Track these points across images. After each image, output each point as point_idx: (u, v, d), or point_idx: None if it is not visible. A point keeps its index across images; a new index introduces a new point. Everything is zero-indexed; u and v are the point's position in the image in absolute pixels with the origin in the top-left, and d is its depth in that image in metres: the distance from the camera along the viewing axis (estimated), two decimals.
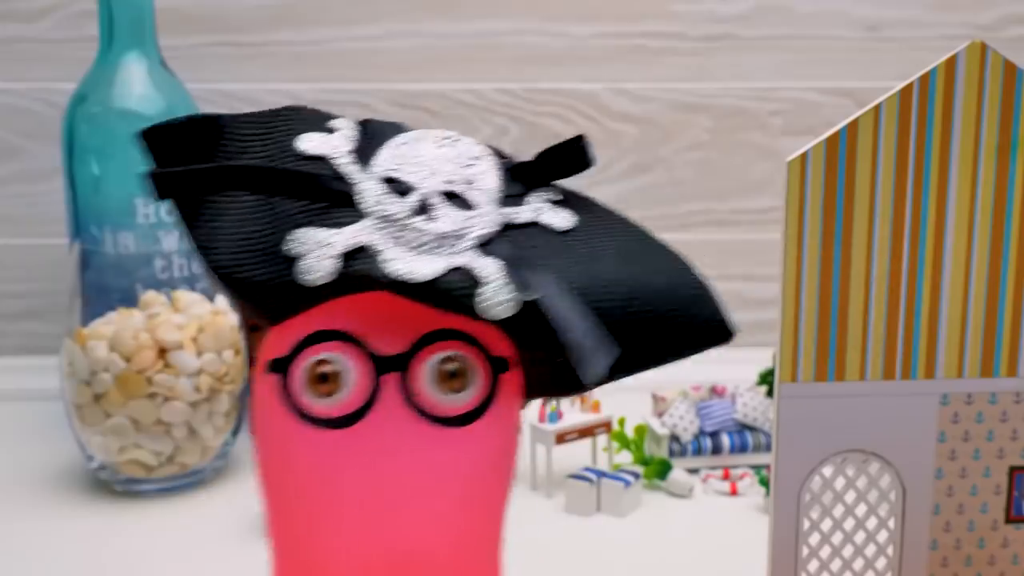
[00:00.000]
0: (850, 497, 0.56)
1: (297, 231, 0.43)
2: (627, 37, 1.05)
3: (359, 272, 0.42)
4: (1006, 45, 0.91)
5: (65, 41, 1.01)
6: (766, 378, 0.85)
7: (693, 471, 0.82)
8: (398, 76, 1.04)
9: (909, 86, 0.51)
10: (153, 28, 0.82)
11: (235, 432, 0.81)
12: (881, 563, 0.56)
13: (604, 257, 0.45)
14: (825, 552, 0.55)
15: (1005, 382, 0.54)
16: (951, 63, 0.51)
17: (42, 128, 1.02)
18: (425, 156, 0.45)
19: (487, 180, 0.45)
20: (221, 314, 0.78)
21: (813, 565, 0.55)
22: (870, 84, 1.06)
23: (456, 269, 0.42)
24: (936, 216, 0.52)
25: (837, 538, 0.55)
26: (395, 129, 0.47)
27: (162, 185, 0.45)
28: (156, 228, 0.80)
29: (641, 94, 1.06)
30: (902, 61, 1.06)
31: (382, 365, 0.43)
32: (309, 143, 0.45)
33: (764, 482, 0.77)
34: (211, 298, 0.80)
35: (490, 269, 0.42)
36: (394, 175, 0.45)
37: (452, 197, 0.45)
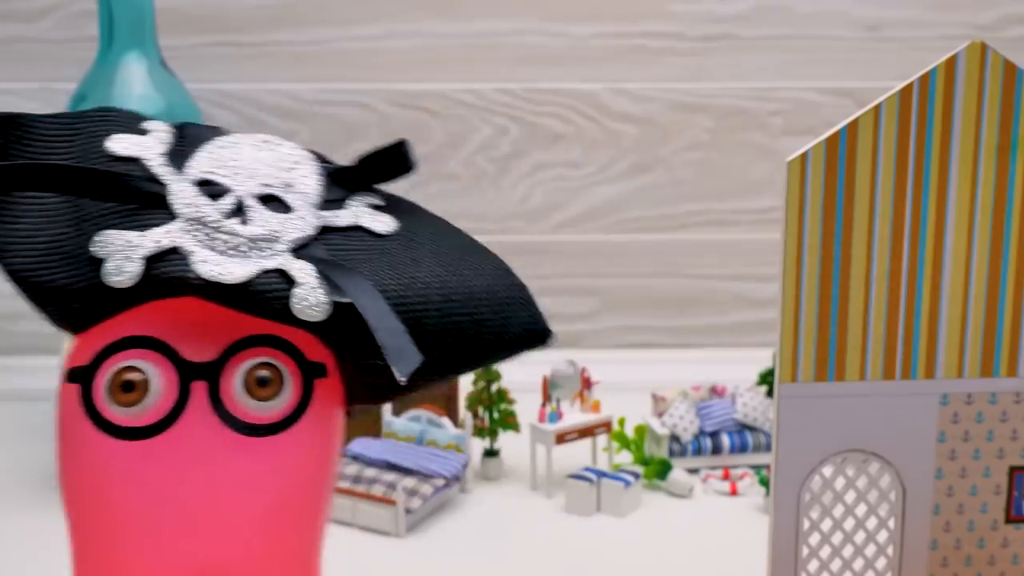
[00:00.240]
0: (850, 497, 0.56)
1: (103, 232, 0.41)
2: (627, 37, 1.05)
3: (168, 274, 0.41)
4: (1006, 45, 0.91)
5: (65, 41, 1.01)
6: (766, 378, 0.85)
7: (693, 471, 0.82)
8: (398, 76, 1.04)
9: (909, 86, 0.51)
10: (153, 28, 0.82)
11: None
12: (881, 563, 0.56)
13: (423, 261, 0.44)
14: (825, 552, 0.55)
15: (1005, 382, 0.54)
16: (951, 63, 0.51)
17: None
18: (243, 159, 0.44)
19: (307, 184, 0.44)
20: None
21: (813, 565, 0.55)
22: (870, 84, 1.06)
23: (269, 272, 0.41)
24: (936, 216, 0.52)
25: (837, 538, 0.55)
26: (214, 133, 0.46)
27: None
28: None
29: (641, 94, 1.06)
30: (902, 61, 1.06)
31: (191, 372, 0.41)
32: (120, 144, 0.44)
33: (764, 482, 0.77)
34: None
35: (304, 272, 0.41)
36: (209, 177, 0.43)
37: (269, 200, 0.43)
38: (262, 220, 0.42)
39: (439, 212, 0.48)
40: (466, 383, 0.83)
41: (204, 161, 0.44)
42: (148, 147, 0.44)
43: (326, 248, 0.43)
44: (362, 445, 0.78)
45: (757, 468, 0.81)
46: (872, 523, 0.56)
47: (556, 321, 0.47)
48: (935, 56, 0.52)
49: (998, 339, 0.54)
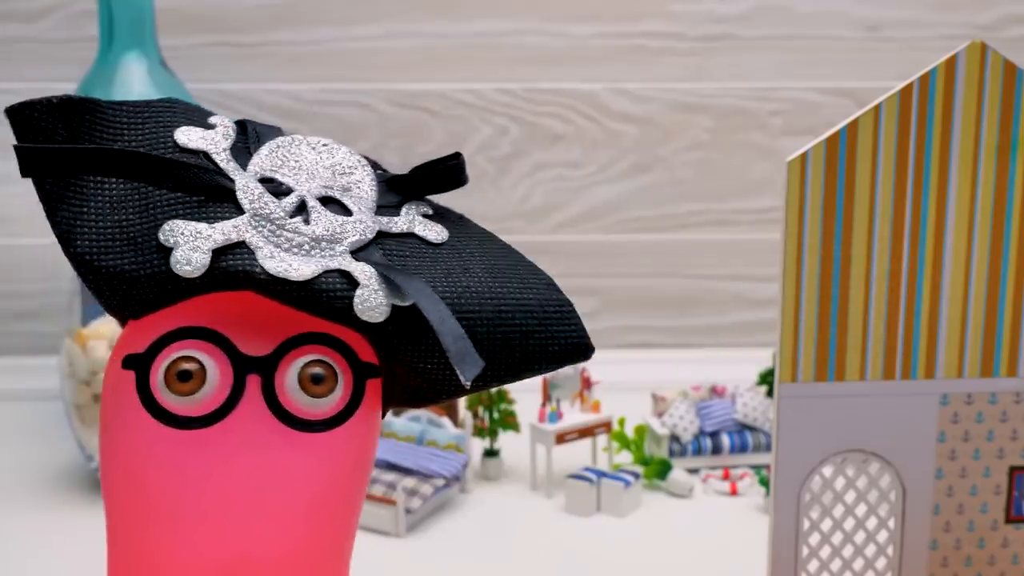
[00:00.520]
0: (850, 497, 0.56)
1: (172, 222, 0.42)
2: (627, 37, 1.05)
3: (235, 268, 0.41)
4: (1006, 45, 0.91)
5: (65, 41, 1.01)
6: (766, 378, 0.85)
7: (693, 471, 0.82)
8: (398, 76, 1.04)
9: (909, 86, 0.51)
10: (153, 28, 0.82)
11: None
12: (881, 563, 0.56)
13: (474, 271, 0.45)
14: (825, 552, 0.55)
15: (1005, 382, 0.54)
16: (951, 63, 0.51)
17: None
18: (304, 160, 0.45)
19: (363, 188, 0.45)
20: None
21: (813, 565, 0.55)
22: (870, 84, 1.06)
23: (332, 271, 0.42)
24: (936, 216, 0.52)
25: (837, 538, 0.55)
26: (273, 132, 0.46)
27: (27, 161, 0.43)
28: None
29: (641, 94, 1.06)
30: (902, 61, 1.06)
31: (246, 366, 0.42)
32: (188, 136, 0.44)
33: (764, 482, 0.77)
34: None
35: (366, 274, 0.42)
36: (273, 175, 0.44)
37: (329, 202, 0.44)
38: (324, 221, 0.43)
39: None
40: None
41: (266, 159, 0.45)
42: (214, 141, 0.45)
43: (383, 253, 0.44)
44: None
45: (757, 468, 0.81)
46: (872, 523, 0.56)
47: None
48: (935, 56, 0.52)
49: (998, 339, 0.54)
